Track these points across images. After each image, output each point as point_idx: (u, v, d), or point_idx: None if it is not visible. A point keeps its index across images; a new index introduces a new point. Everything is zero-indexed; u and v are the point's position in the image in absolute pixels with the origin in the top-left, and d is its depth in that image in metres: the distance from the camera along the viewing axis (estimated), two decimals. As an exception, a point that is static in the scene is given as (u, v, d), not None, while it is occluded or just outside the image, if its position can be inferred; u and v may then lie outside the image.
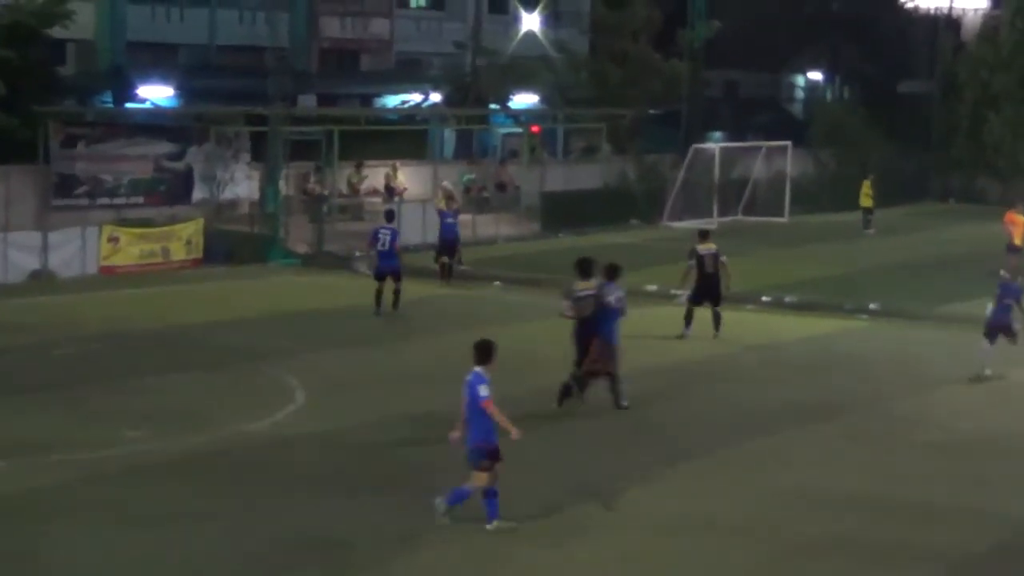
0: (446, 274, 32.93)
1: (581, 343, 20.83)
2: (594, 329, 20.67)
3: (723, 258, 26.87)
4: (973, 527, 15.86)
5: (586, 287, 20.91)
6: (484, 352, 15.27)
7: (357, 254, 36.65)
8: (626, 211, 46.42)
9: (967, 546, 15.24)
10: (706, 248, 26.85)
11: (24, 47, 36.67)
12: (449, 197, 34.98)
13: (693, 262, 26.79)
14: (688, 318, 26.61)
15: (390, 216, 30.62)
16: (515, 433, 15.16)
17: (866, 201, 47.07)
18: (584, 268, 21.13)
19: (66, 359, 23.96)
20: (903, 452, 19.02)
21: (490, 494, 15.06)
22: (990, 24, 59.77)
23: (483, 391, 14.99)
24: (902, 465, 18.39)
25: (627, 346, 22.65)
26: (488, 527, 14.98)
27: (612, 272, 21.17)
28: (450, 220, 33.34)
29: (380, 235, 29.04)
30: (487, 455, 15.00)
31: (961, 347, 26.58)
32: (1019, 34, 58.54)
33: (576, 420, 20.36)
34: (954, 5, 59.91)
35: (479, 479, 15.04)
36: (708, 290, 26.61)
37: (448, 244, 33.31)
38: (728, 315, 27.26)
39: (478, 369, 15.17)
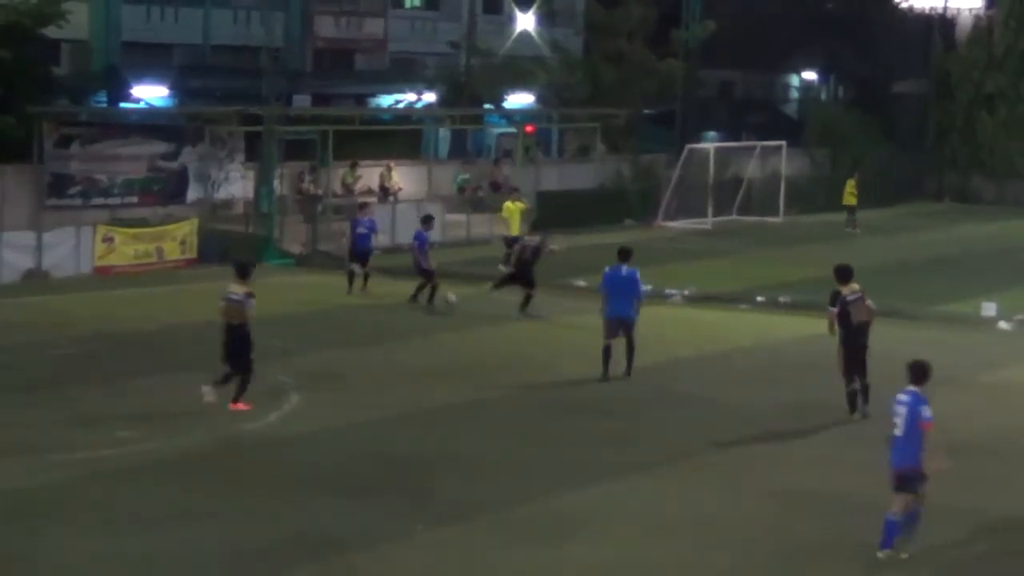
0: (353, 283, 31.58)
1: (849, 349, 20.19)
2: (865, 337, 20.25)
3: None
4: (969, 527, 15.85)
5: (851, 290, 20.31)
6: (922, 372, 14.87)
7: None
8: (620, 211, 46.43)
9: (963, 546, 15.25)
10: (531, 239, 29.97)
11: (19, 47, 36.62)
12: (363, 206, 34.02)
13: (517, 247, 29.75)
14: (500, 283, 29.74)
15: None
16: (937, 465, 14.61)
17: (850, 200, 47.17)
18: (844, 273, 20.43)
19: (60, 359, 23.93)
20: (898, 452, 18.99)
21: (895, 524, 14.41)
22: (983, 25, 59.84)
23: (927, 412, 14.52)
24: (897, 465, 18.36)
25: (621, 346, 22.69)
26: (879, 555, 14.39)
27: None
28: (362, 230, 31.83)
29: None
30: (920, 478, 14.50)
31: (956, 347, 26.62)
32: (1012, 35, 58.64)
33: (571, 421, 20.35)
34: (948, 5, 59.93)
35: (904, 503, 14.47)
36: (522, 273, 28.97)
37: (361, 254, 31.78)
38: (722, 315, 27.30)
39: (915, 388, 14.73)
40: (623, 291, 22.64)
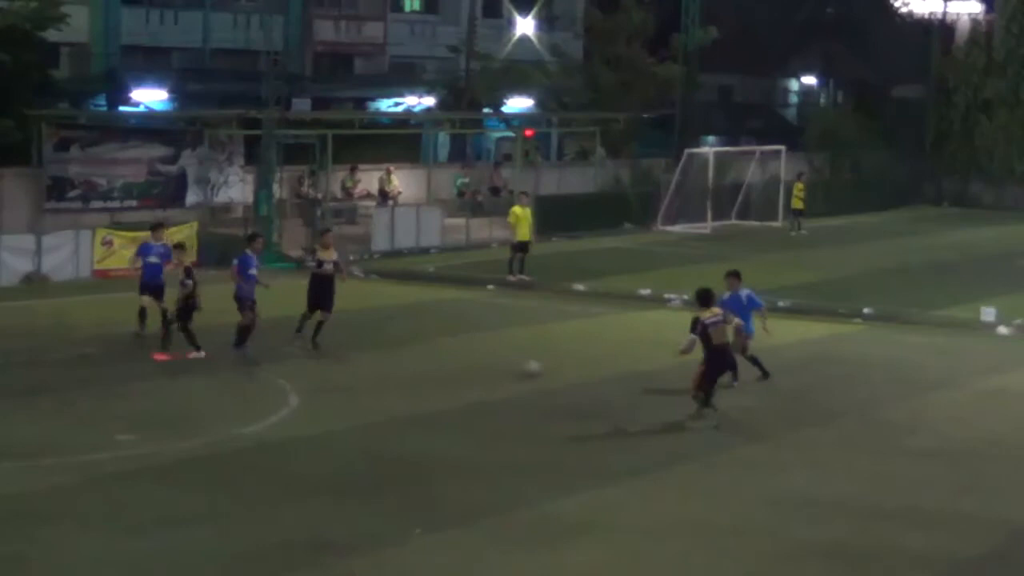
0: (145, 319, 25.85)
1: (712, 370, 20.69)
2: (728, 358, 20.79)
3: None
4: (966, 532, 15.86)
5: (712, 314, 20.69)
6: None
7: (351, 258, 36.65)
8: (620, 215, 46.40)
9: (960, 551, 15.24)
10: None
11: (18, 50, 36.64)
12: (155, 227, 27.26)
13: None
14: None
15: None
16: None
17: (797, 203, 47.20)
18: (705, 298, 20.83)
19: (59, 362, 23.91)
20: (896, 457, 19.01)
21: None
22: (981, 30, 59.87)
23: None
24: (895, 470, 18.38)
25: (619, 351, 22.70)
26: None
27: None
28: (153, 259, 26.15)
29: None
30: None
31: (955, 352, 26.64)
32: (1013, 40, 58.66)
33: (570, 425, 20.34)
34: (947, 10, 59.95)
35: None
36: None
37: (153, 287, 26.08)
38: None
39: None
40: (747, 312, 22.90)
